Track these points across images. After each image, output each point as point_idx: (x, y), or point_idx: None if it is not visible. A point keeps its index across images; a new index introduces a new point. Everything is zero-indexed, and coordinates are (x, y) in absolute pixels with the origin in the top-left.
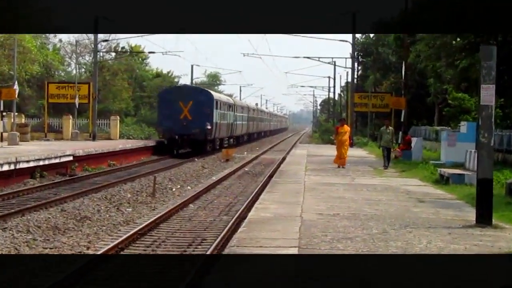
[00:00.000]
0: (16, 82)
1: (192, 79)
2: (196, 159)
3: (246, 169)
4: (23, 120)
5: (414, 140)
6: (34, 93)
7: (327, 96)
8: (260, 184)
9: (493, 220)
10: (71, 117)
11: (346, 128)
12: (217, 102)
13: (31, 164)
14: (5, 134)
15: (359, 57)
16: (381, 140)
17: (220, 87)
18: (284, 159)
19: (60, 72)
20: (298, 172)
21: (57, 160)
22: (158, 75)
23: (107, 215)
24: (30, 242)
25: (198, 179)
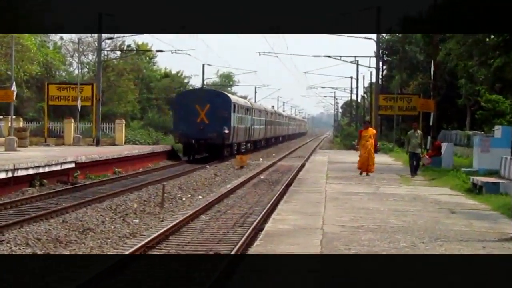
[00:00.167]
0: (14, 83)
1: (203, 80)
2: (207, 166)
3: (262, 177)
4: (21, 124)
5: (444, 145)
6: (33, 94)
7: (349, 98)
8: (277, 193)
9: None
10: (73, 120)
11: (371, 131)
12: (234, 106)
13: (30, 171)
14: (1, 139)
15: (384, 55)
16: (408, 145)
17: (233, 88)
18: (303, 166)
19: (61, 72)
20: (318, 181)
21: (58, 167)
22: (167, 75)
23: (112, 227)
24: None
25: (210, 187)
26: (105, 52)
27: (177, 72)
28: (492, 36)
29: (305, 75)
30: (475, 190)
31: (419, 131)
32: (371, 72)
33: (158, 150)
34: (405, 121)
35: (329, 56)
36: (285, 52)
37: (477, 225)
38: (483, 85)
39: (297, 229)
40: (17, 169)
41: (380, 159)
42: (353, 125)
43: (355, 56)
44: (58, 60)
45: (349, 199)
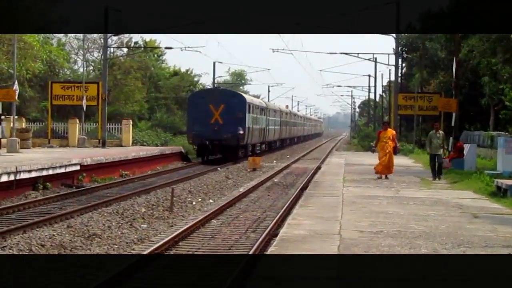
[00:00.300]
0: (16, 82)
1: (214, 78)
2: (219, 169)
3: (276, 179)
4: (24, 125)
5: (466, 147)
6: (36, 94)
7: (366, 97)
8: (292, 197)
9: None
10: (77, 121)
11: (390, 132)
12: (249, 106)
13: (33, 174)
14: (3, 141)
15: (403, 53)
16: (430, 146)
17: (246, 87)
18: (318, 168)
19: (66, 70)
20: (335, 184)
21: (62, 170)
22: (176, 73)
23: (119, 232)
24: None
25: (222, 191)
26: (112, 49)
27: (187, 70)
28: None
29: (320, 73)
30: (499, 193)
31: (441, 132)
32: (390, 70)
33: (167, 152)
34: (426, 121)
35: (346, 53)
36: (300, 49)
37: (502, 231)
38: (507, 84)
39: (313, 234)
40: (20, 171)
41: (399, 161)
42: (371, 125)
43: (373, 53)
44: (62, 57)
45: (368, 203)
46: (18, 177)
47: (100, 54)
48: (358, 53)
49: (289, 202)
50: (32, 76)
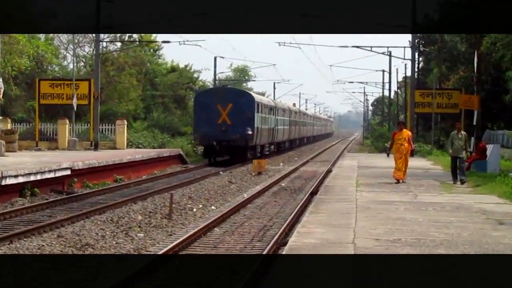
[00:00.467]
0: (1, 80)
1: (215, 74)
2: (221, 173)
3: (283, 184)
4: (9, 126)
5: (489, 147)
6: (22, 92)
7: (380, 94)
8: (301, 203)
9: None
10: (67, 121)
11: (406, 133)
12: (258, 105)
13: (20, 179)
14: None
15: (420, 46)
16: (451, 147)
17: (249, 84)
18: (329, 171)
19: (54, 66)
20: (347, 188)
21: (51, 175)
22: (174, 69)
23: (114, 242)
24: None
25: (224, 196)
26: (104, 44)
27: (186, 66)
28: None
29: (330, 68)
30: None
31: (463, 132)
32: (405, 64)
33: (164, 155)
34: (445, 120)
35: (358, 47)
36: (309, 42)
37: None
38: None
39: (325, 243)
40: (5, 177)
41: (416, 163)
42: (386, 124)
43: (388, 47)
44: (51, 53)
45: (383, 209)
46: (3, 183)
47: (91, 49)
48: (371, 47)
49: (297, 208)
50: (18, 73)
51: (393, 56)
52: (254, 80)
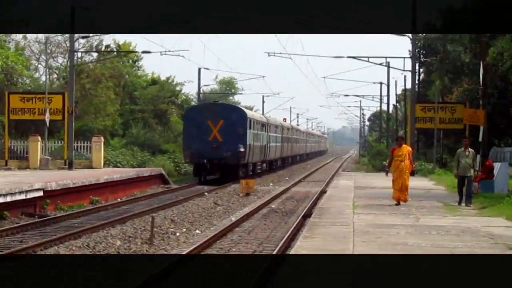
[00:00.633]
0: None
1: (199, 87)
2: (206, 194)
3: (273, 206)
4: None
5: (496, 166)
6: None
7: (378, 108)
8: (293, 226)
9: None
10: (39, 138)
11: (406, 149)
12: (250, 121)
13: None
14: None
15: (421, 56)
16: (458, 166)
17: (236, 97)
18: (323, 192)
19: (25, 79)
20: (343, 210)
21: (22, 196)
22: (155, 81)
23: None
24: None
25: (210, 219)
26: (79, 54)
27: (167, 78)
28: None
29: (324, 80)
30: None
31: (470, 150)
32: (405, 76)
33: (145, 174)
34: (448, 136)
35: (354, 57)
36: (301, 52)
37: None
38: None
39: None
40: None
41: (418, 183)
42: (384, 141)
43: (386, 57)
44: (21, 64)
45: (383, 233)
46: None
47: (65, 60)
48: (368, 57)
49: (289, 232)
50: None
51: (392, 67)
52: (241, 93)
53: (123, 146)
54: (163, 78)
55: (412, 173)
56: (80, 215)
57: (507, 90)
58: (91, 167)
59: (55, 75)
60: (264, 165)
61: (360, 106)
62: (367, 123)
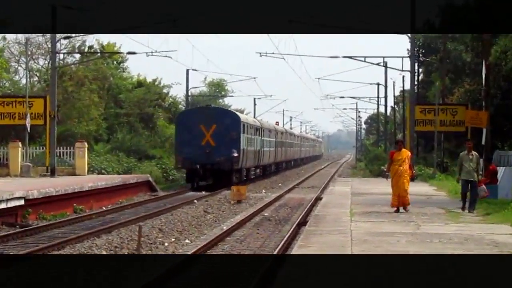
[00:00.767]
0: None
1: (187, 89)
2: (195, 201)
3: (266, 214)
4: None
5: (500, 170)
6: None
7: (375, 110)
8: (287, 235)
9: None
10: (20, 144)
11: (405, 153)
12: (244, 125)
13: None
14: None
15: (420, 55)
16: (460, 170)
17: (226, 100)
18: (319, 199)
19: (4, 82)
20: (340, 218)
21: (2, 205)
22: (140, 84)
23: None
24: None
25: (200, 228)
26: (61, 56)
27: (154, 80)
28: None
29: (318, 82)
30: None
31: (474, 153)
32: (403, 76)
33: (131, 181)
34: (449, 139)
35: (350, 57)
36: (294, 52)
37: None
38: None
39: None
40: None
41: (418, 188)
42: (381, 145)
43: (383, 57)
44: (0, 66)
45: (382, 242)
46: None
47: (46, 62)
48: (365, 57)
49: (283, 242)
50: None
51: (390, 67)
52: (231, 96)
53: (108, 152)
54: (149, 80)
55: (412, 179)
56: (64, 224)
57: (510, 90)
58: (74, 174)
59: (36, 78)
60: (258, 170)
61: (357, 108)
62: (363, 126)
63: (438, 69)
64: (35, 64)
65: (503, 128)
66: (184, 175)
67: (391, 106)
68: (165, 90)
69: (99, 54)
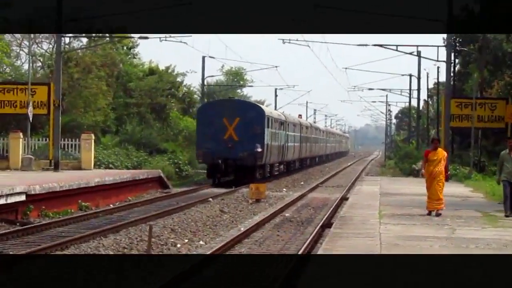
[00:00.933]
0: None
1: (203, 78)
2: (211, 200)
3: (287, 214)
4: None
5: None
6: None
7: (406, 103)
8: (310, 238)
9: None
10: (21, 135)
11: (442, 153)
12: (268, 119)
13: None
14: None
15: (457, 45)
16: (501, 171)
17: (245, 90)
18: (344, 199)
19: (5, 67)
20: (368, 220)
21: (2, 201)
22: (152, 71)
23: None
24: None
25: (215, 229)
26: (67, 40)
27: (167, 68)
28: None
29: (346, 72)
30: None
31: None
32: (438, 67)
33: (141, 177)
34: (487, 136)
35: (380, 45)
36: (319, 39)
37: None
38: None
39: None
40: None
41: (453, 189)
42: (413, 141)
43: (417, 46)
44: (1, 50)
45: (414, 246)
46: None
47: (51, 46)
48: (396, 45)
49: (306, 245)
50: None
51: (423, 57)
52: (251, 86)
53: (116, 145)
54: (162, 67)
55: (446, 179)
56: (68, 222)
57: None
58: (80, 169)
59: (39, 63)
60: (282, 166)
61: (386, 101)
62: (394, 120)
63: (477, 60)
64: (38, 48)
65: None
66: (199, 171)
67: (424, 100)
68: (179, 79)
69: (108, 38)
